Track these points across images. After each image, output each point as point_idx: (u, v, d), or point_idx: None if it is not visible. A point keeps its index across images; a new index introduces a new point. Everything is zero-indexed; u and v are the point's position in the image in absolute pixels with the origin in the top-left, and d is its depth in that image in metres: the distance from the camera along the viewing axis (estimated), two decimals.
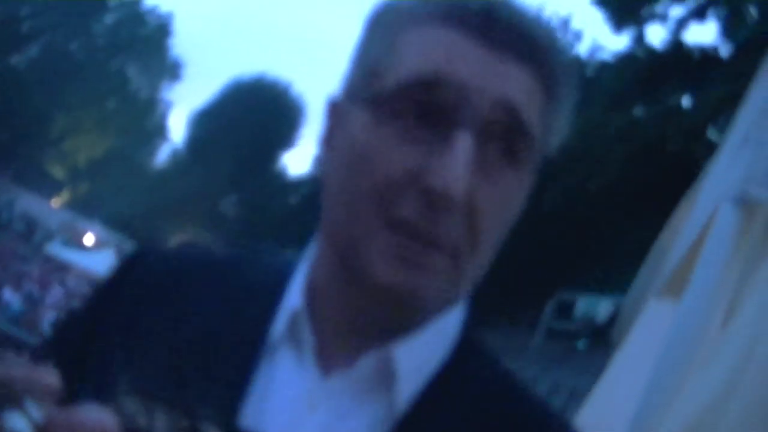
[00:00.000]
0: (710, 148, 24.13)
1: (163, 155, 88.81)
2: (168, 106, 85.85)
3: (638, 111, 33.52)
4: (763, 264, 1.46)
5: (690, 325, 1.52)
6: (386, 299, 1.22)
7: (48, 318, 29.55)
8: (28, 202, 65.86)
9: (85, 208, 71.18)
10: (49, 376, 0.96)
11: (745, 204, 1.51)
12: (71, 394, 0.97)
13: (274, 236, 62.55)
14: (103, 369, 1.26)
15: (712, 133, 28.69)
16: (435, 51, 1.21)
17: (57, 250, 50.89)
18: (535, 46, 1.22)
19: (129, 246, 68.83)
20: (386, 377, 1.28)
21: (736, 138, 1.62)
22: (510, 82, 1.20)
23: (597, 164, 30.96)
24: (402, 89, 1.21)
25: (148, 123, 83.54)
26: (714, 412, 1.42)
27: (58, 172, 72.51)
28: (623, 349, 3.03)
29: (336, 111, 1.34)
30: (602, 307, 21.18)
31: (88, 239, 62.38)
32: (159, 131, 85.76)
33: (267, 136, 78.04)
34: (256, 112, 76.79)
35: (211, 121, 78.89)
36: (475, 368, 1.37)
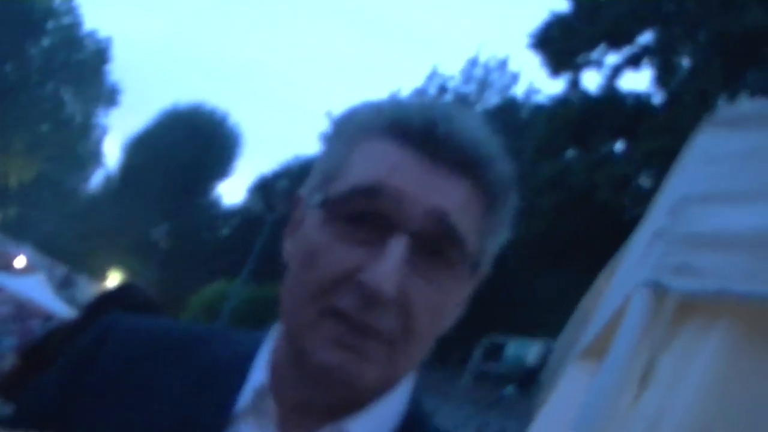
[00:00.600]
0: (639, 199, 24.34)
1: (96, 181, 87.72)
2: (104, 131, 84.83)
3: (569, 156, 33.59)
4: (671, 345, 1.62)
5: (604, 396, 1.64)
6: (326, 380, 1.35)
7: None
8: None
9: (16, 231, 69.91)
10: None
11: (656, 290, 1.67)
12: None
13: (205, 266, 61.94)
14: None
15: (642, 182, 28.93)
16: (379, 163, 1.35)
17: None
18: (474, 160, 1.36)
19: (59, 270, 67.81)
20: None
21: (651, 229, 1.78)
22: (443, 193, 1.33)
23: (526, 213, 31.09)
24: (348, 195, 1.35)
25: (82, 148, 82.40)
26: None
27: None
28: (547, 406, 3.17)
29: (300, 206, 1.48)
30: (531, 351, 21.26)
31: (19, 262, 61.38)
32: (93, 157, 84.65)
33: (202, 165, 77.40)
34: (191, 141, 76.12)
35: (147, 148, 77.80)
36: None
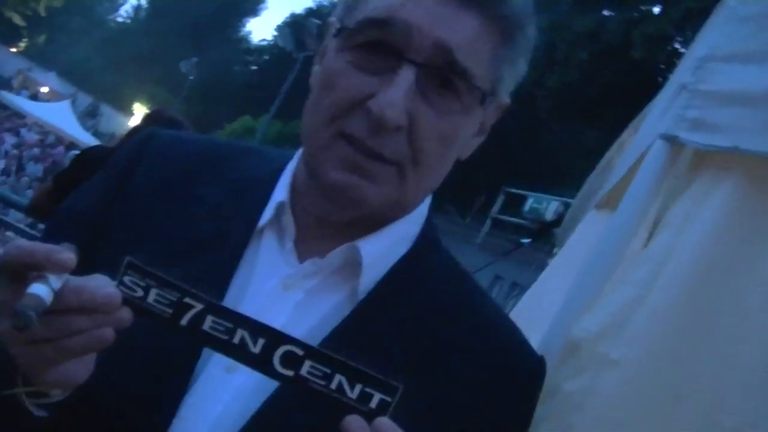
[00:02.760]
0: (673, 59, 24.06)
1: (127, 10, 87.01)
2: None
3: (606, 13, 33.02)
4: (683, 194, 1.71)
5: (616, 238, 1.74)
6: (336, 198, 1.45)
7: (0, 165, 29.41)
8: None
9: (43, 58, 69.53)
10: (67, 253, 1.14)
11: (673, 143, 1.73)
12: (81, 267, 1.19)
13: (232, 102, 61.73)
14: (115, 243, 1.44)
15: (677, 42, 28.54)
16: None
17: (12, 98, 49.62)
18: None
19: (85, 100, 67.76)
20: (352, 266, 1.51)
21: (676, 82, 1.84)
22: (452, 28, 1.39)
23: (559, 64, 30.72)
24: (362, 25, 1.42)
25: None
26: (625, 314, 1.67)
27: (17, 18, 70.80)
28: (561, 251, 3.28)
29: (328, 32, 1.54)
30: (550, 206, 21.31)
31: (44, 89, 61.23)
32: None
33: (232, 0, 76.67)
34: None
35: None
36: (431, 263, 1.61)
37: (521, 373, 1.57)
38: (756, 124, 1.57)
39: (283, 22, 62.01)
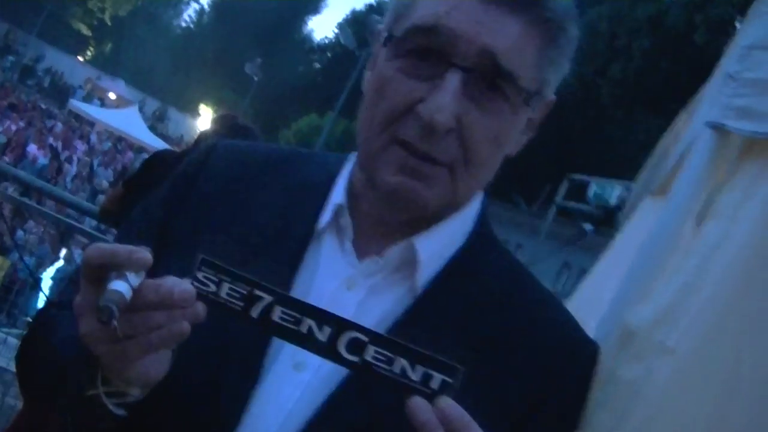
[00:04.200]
0: None
1: (189, 16, 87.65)
2: None
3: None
4: (731, 183, 1.73)
5: (667, 227, 1.77)
6: (393, 200, 1.54)
7: (71, 172, 29.84)
8: (53, 58, 65.26)
9: (110, 65, 70.36)
10: (145, 252, 1.24)
11: (721, 133, 1.77)
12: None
13: (297, 101, 62.02)
14: (180, 248, 1.51)
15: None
16: (439, 4, 1.47)
17: (82, 106, 50.27)
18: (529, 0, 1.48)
19: (152, 104, 68.53)
20: (410, 263, 1.59)
21: (723, 71, 1.86)
22: (495, 33, 1.46)
23: (622, 53, 30.47)
24: (409, 33, 1.49)
25: None
26: (679, 302, 1.70)
27: (83, 29, 71.70)
28: (619, 237, 3.31)
29: (377, 40, 1.61)
30: (614, 191, 21.14)
31: (112, 96, 61.96)
32: None
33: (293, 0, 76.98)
34: None
35: None
36: (486, 257, 1.68)
37: (577, 360, 1.64)
38: None
39: (344, 20, 62.21)
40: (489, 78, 1.47)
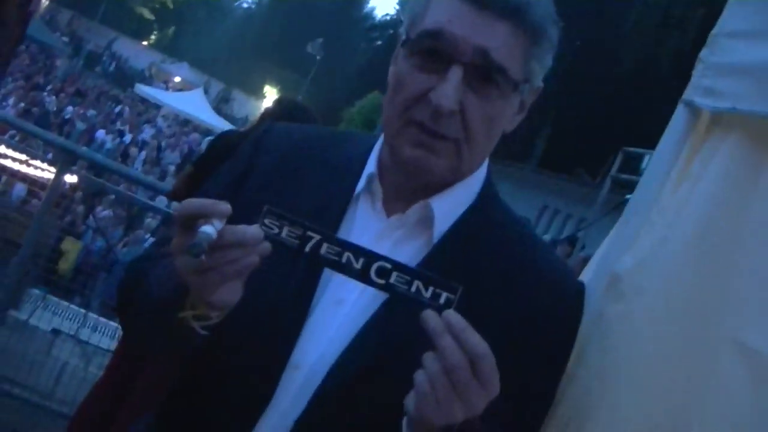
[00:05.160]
0: None
1: None
2: None
3: None
4: (698, 153, 2.03)
5: (647, 189, 2.10)
6: (410, 168, 1.93)
7: (140, 156, 30.34)
8: (116, 43, 65.92)
9: (173, 49, 70.82)
10: (225, 205, 1.64)
11: (692, 108, 2.07)
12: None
13: (360, 79, 61.97)
14: (245, 209, 1.80)
15: None
16: (443, 12, 1.86)
17: (148, 90, 50.63)
18: (514, 7, 1.84)
19: (216, 86, 68.93)
20: (427, 219, 1.99)
21: (700, 54, 2.12)
22: (488, 35, 1.83)
23: (677, 26, 30.17)
24: (421, 37, 1.88)
25: None
26: (655, 251, 1.97)
27: (146, 13, 72.30)
28: None
29: (398, 41, 1.99)
30: None
31: (176, 79, 62.44)
32: None
33: None
34: None
35: None
36: (489, 213, 2.07)
37: (564, 295, 2.03)
38: (751, 89, 1.93)
39: None
40: (484, 71, 1.85)
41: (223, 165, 2.22)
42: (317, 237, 1.66)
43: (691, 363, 1.94)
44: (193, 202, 1.66)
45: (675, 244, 1.98)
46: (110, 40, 64.07)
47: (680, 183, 2.06)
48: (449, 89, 1.82)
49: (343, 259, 1.66)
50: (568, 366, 2.05)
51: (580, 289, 2.08)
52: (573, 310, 2.04)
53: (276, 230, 1.66)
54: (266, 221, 1.66)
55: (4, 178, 13.18)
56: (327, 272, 1.92)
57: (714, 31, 2.13)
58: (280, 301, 1.90)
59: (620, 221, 2.21)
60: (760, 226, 1.90)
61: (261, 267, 1.67)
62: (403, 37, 1.95)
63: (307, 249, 1.66)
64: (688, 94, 2.11)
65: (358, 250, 1.66)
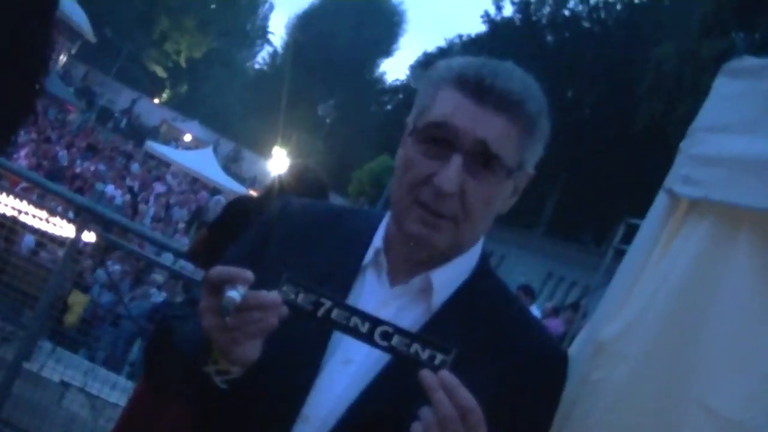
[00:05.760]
0: None
1: (262, 58, 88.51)
2: (270, 7, 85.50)
3: (733, 39, 32.06)
4: (678, 234, 2.21)
5: (631, 266, 2.31)
6: (414, 244, 2.14)
7: (149, 212, 30.44)
8: (129, 100, 66.21)
9: (185, 107, 71.06)
10: (247, 273, 1.85)
11: (671, 194, 2.26)
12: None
13: (369, 142, 62.10)
14: (264, 277, 1.98)
15: None
16: (448, 106, 2.08)
17: (159, 148, 50.71)
18: (511, 103, 2.05)
19: (226, 145, 69.11)
20: (427, 289, 2.19)
21: (681, 145, 2.34)
22: (487, 127, 2.04)
23: (688, 90, 30.28)
24: (427, 127, 2.10)
25: (250, 24, 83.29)
26: (636, 320, 2.14)
27: (159, 71, 72.80)
28: None
29: (407, 129, 2.20)
30: None
31: (187, 137, 62.66)
32: (259, 34, 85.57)
33: (366, 41, 77.33)
34: (356, 17, 76.15)
35: (312, 25, 78.26)
36: (484, 285, 2.28)
37: (549, 362, 2.23)
38: (722, 179, 2.13)
39: (416, 62, 62.12)
40: (482, 159, 2.06)
41: (243, 234, 2.45)
42: (329, 303, 1.87)
43: (661, 423, 2.14)
44: (221, 269, 1.87)
45: (654, 315, 2.18)
46: (133, 99, 64.61)
47: (660, 260, 2.26)
48: (451, 174, 2.02)
49: (351, 323, 1.86)
50: (555, 427, 2.23)
51: (564, 357, 2.27)
52: (556, 377, 2.23)
53: (293, 296, 1.86)
54: (284, 288, 1.86)
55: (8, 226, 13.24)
56: (336, 336, 2.10)
57: (693, 125, 2.33)
58: (295, 359, 2.09)
59: (606, 294, 2.40)
60: (729, 300, 2.09)
61: (278, 328, 1.86)
62: (411, 126, 2.17)
63: (319, 313, 1.86)
64: (668, 182, 2.31)
65: (364, 316, 1.86)
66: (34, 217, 9.12)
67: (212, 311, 1.85)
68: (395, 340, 1.84)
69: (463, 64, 2.13)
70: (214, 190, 43.71)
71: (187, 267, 10.46)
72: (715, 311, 2.11)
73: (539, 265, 35.60)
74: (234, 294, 1.80)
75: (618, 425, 2.19)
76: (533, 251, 37.74)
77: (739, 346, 2.07)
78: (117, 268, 16.90)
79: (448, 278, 2.21)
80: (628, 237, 15.54)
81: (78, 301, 13.40)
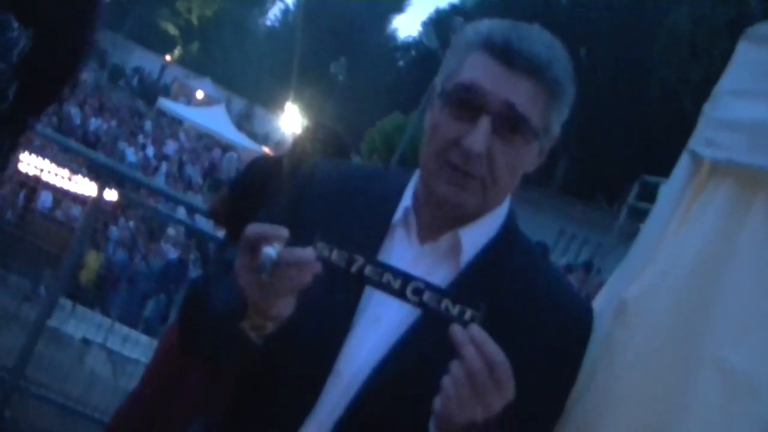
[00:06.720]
0: None
1: (274, 15, 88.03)
2: None
3: (747, 3, 31.65)
4: (699, 197, 2.25)
5: (654, 228, 2.34)
6: (443, 204, 2.20)
7: (162, 170, 30.48)
8: (141, 58, 66.00)
9: (197, 65, 70.84)
10: (283, 230, 1.90)
11: (694, 156, 2.30)
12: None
13: (382, 100, 61.72)
14: (299, 236, 2.03)
15: None
16: (476, 69, 2.12)
17: (171, 105, 50.51)
18: (538, 66, 2.09)
19: (237, 102, 68.89)
20: (456, 248, 2.25)
21: (704, 108, 2.37)
22: (514, 90, 2.09)
23: (702, 57, 30.09)
24: (455, 89, 2.15)
25: None
26: (657, 282, 2.20)
27: (171, 29, 72.52)
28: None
29: (434, 92, 2.26)
30: None
31: (199, 95, 62.46)
32: None
33: None
34: None
35: None
36: (510, 242, 2.33)
37: (576, 318, 2.29)
38: (744, 143, 2.18)
39: (428, 18, 61.67)
40: (509, 121, 2.10)
41: (276, 197, 2.51)
42: (361, 260, 1.92)
43: (675, 379, 2.19)
44: (258, 227, 1.92)
45: (675, 277, 2.23)
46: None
47: (683, 223, 2.31)
48: (479, 136, 2.07)
49: (384, 279, 1.90)
50: (578, 383, 2.29)
51: (590, 314, 2.33)
52: (581, 332, 2.28)
53: (327, 253, 1.92)
54: (318, 245, 1.91)
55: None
56: (366, 293, 2.16)
57: (716, 88, 2.37)
58: (326, 315, 2.16)
59: (629, 253, 2.46)
60: (746, 261, 2.14)
61: (311, 286, 1.92)
62: (439, 89, 2.22)
63: (353, 270, 1.91)
64: (692, 143, 2.36)
65: (396, 272, 1.90)
66: (56, 175, 9.17)
67: (248, 268, 1.90)
68: (426, 295, 1.88)
69: (491, 28, 2.16)
70: (227, 148, 43.68)
71: (201, 222, 10.55)
72: (733, 273, 2.15)
73: (551, 224, 35.58)
74: (271, 251, 1.85)
75: (638, 384, 2.25)
76: (545, 209, 37.73)
77: (756, 306, 2.11)
78: (131, 225, 17.00)
79: (476, 236, 2.26)
80: (643, 194, 15.58)
81: (92, 258, 13.51)
